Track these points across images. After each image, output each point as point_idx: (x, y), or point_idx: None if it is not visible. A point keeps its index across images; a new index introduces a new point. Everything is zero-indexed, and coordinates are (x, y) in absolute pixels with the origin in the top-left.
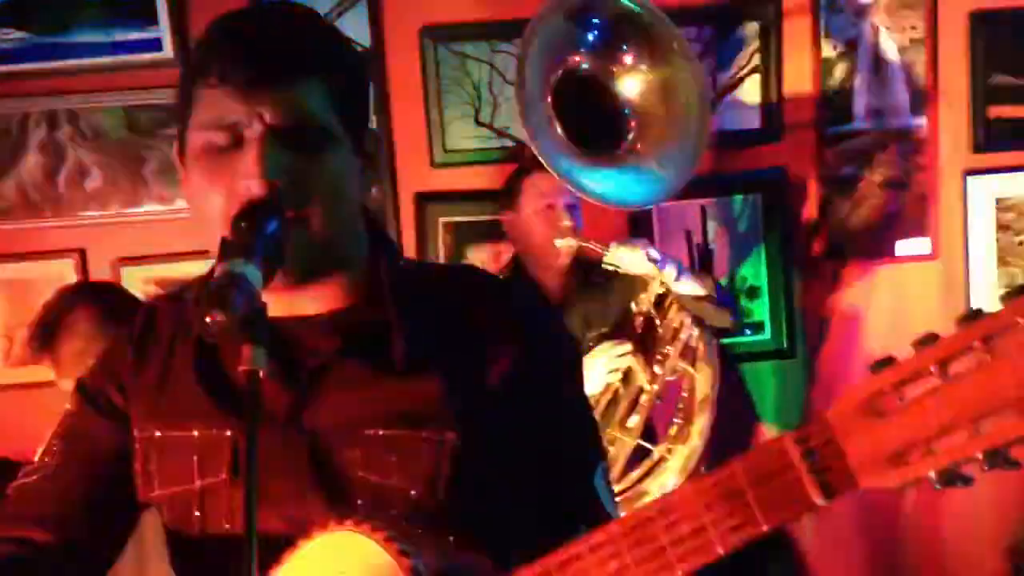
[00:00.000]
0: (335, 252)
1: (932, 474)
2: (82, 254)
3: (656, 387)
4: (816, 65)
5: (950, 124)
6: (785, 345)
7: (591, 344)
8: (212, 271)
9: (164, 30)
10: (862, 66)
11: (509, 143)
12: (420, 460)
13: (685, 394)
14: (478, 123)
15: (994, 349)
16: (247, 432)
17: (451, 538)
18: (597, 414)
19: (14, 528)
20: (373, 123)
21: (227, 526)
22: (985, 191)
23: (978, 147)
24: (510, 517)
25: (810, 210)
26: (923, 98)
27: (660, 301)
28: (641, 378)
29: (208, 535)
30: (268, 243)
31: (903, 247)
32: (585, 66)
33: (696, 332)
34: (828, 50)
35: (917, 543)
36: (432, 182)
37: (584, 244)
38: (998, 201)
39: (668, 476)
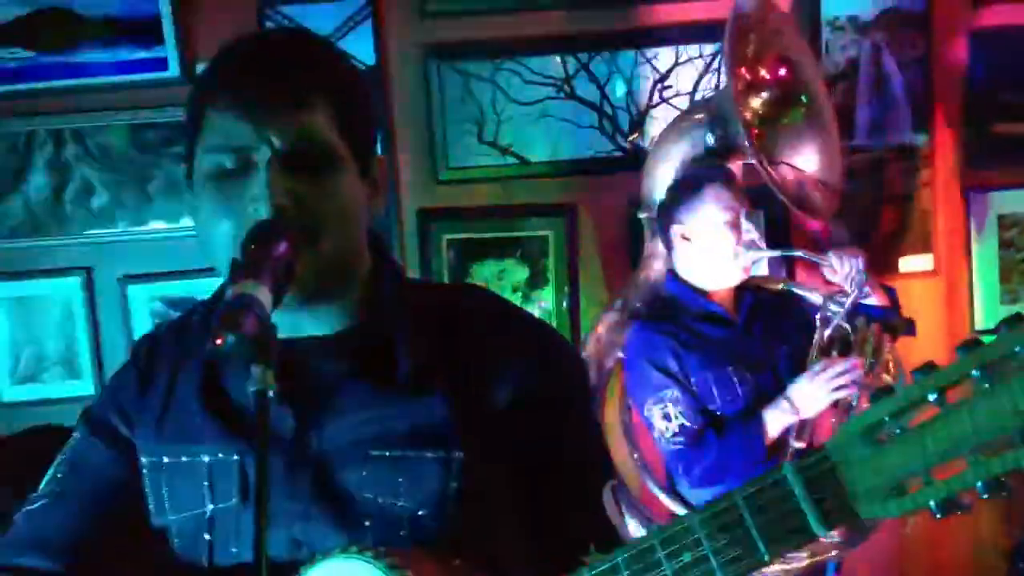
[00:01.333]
0: (342, 273)
1: (932, 504)
2: (88, 272)
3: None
4: None
5: (951, 141)
6: None
7: (776, 363)
8: (218, 294)
9: (169, 49)
10: (863, 83)
11: (513, 161)
12: (427, 480)
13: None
14: (481, 141)
15: (992, 378)
16: (257, 452)
17: (457, 561)
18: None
19: (17, 556)
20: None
21: (234, 550)
22: (987, 208)
23: (979, 164)
24: (517, 536)
25: (813, 226)
26: (924, 115)
27: (855, 312)
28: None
29: (216, 560)
30: (277, 265)
31: (905, 264)
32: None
33: (889, 343)
34: (829, 68)
35: (917, 547)
36: (436, 199)
37: (771, 255)
38: (1000, 218)
39: None
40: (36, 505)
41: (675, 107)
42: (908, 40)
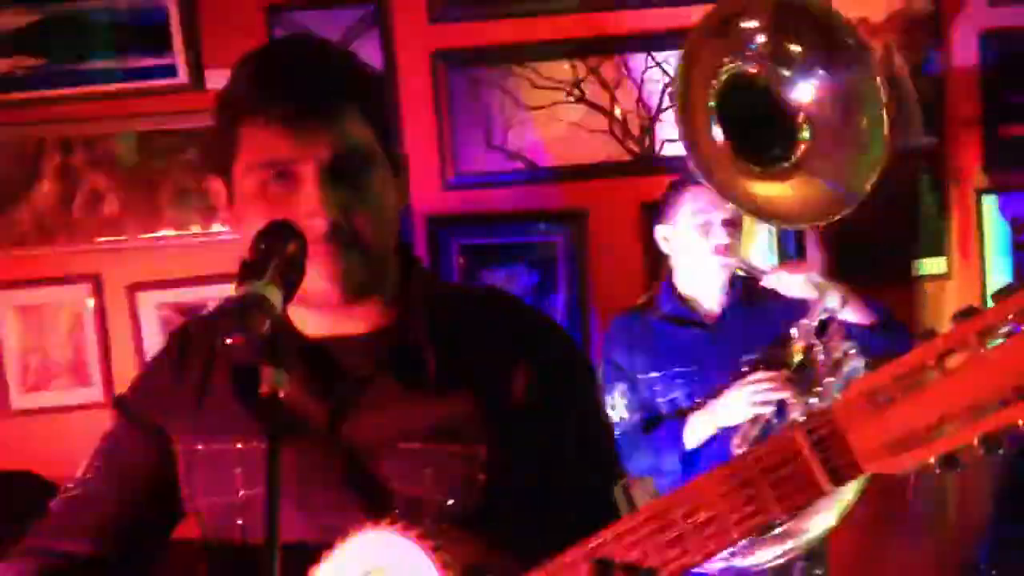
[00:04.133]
0: (381, 272)
1: (932, 460)
2: (97, 279)
3: None
4: None
5: (963, 143)
6: None
7: (744, 369)
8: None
9: (178, 56)
10: None
11: (522, 165)
12: (454, 472)
13: None
14: (490, 146)
15: (987, 343)
16: (269, 451)
17: (481, 542)
18: (748, 445)
19: (55, 541)
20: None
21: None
22: (1000, 210)
23: (992, 166)
24: (537, 527)
25: (823, 230)
26: (936, 117)
27: (824, 328)
28: (795, 411)
29: (248, 544)
30: (287, 264)
31: (918, 267)
32: (752, 70)
33: (861, 364)
34: None
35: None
36: (444, 205)
37: (743, 264)
38: (1014, 220)
39: (823, 515)
40: (72, 493)
41: None
42: (919, 42)
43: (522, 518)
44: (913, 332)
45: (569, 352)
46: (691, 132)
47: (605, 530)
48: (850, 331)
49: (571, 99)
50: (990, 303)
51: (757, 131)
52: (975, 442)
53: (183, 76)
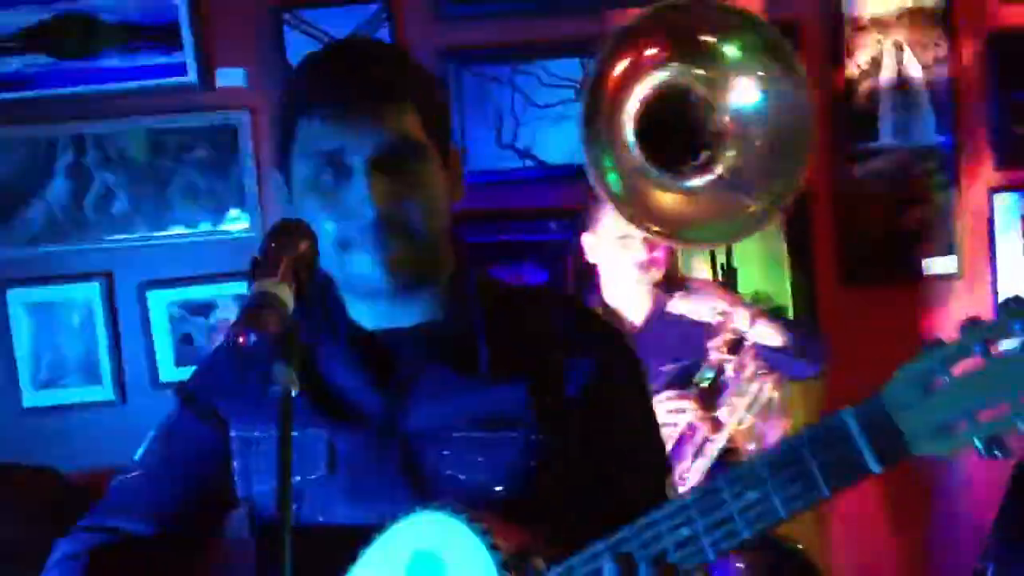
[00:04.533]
0: (433, 263)
1: (978, 443)
2: (108, 277)
3: (720, 436)
4: (839, 83)
5: (975, 141)
6: None
7: (655, 387)
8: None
9: (188, 55)
10: (886, 84)
11: (532, 163)
12: (505, 457)
13: (752, 445)
14: (500, 144)
15: None
16: (279, 449)
17: (529, 527)
18: None
19: (112, 520)
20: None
21: (320, 519)
22: (1011, 209)
23: (1003, 164)
24: (586, 517)
25: (834, 229)
26: (948, 115)
27: (737, 346)
28: (704, 429)
29: (303, 527)
30: (299, 263)
31: (929, 266)
32: (672, 78)
33: (769, 383)
34: (852, 68)
35: None
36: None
37: (649, 287)
38: None
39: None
40: (131, 475)
41: None
42: (931, 40)
43: (571, 508)
44: (924, 330)
45: (620, 349)
46: (601, 145)
47: (656, 510)
48: (761, 352)
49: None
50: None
51: (680, 144)
52: (1020, 427)
53: (193, 75)
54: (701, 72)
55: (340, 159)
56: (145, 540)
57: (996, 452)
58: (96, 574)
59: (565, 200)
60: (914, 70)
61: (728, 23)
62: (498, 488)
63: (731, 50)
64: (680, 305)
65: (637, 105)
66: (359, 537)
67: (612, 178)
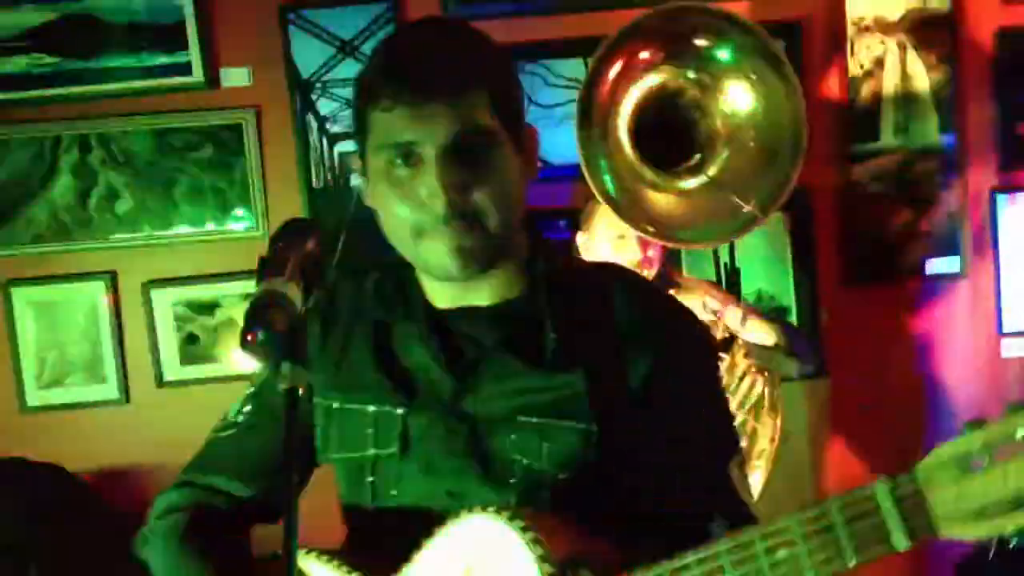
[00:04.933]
0: (507, 247)
1: (1011, 531)
2: (113, 276)
3: None
4: (843, 83)
5: (978, 142)
6: None
7: None
8: (393, 264)
9: (193, 55)
10: (889, 84)
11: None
12: (567, 448)
13: (743, 443)
14: None
15: None
16: (284, 446)
17: (585, 525)
18: None
19: (205, 475)
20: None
21: (394, 493)
22: (1014, 209)
23: (1006, 165)
24: (646, 505)
25: (837, 229)
26: (951, 115)
27: (729, 344)
28: None
29: (378, 501)
30: (306, 261)
31: (931, 266)
32: (659, 80)
33: (760, 381)
34: (855, 68)
35: None
36: None
37: (655, 279)
38: None
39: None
40: (225, 433)
41: None
42: (934, 40)
43: (635, 497)
44: (925, 330)
45: (685, 336)
46: (595, 145)
47: (690, 553)
48: (752, 351)
49: None
50: (1005, 302)
51: (673, 145)
52: None
53: (198, 74)
54: (693, 75)
55: (412, 149)
56: (233, 499)
57: None
58: (196, 532)
59: (567, 200)
60: (917, 70)
61: (720, 27)
62: (561, 476)
63: (723, 54)
64: (695, 296)
65: (631, 107)
66: (430, 517)
67: (606, 178)
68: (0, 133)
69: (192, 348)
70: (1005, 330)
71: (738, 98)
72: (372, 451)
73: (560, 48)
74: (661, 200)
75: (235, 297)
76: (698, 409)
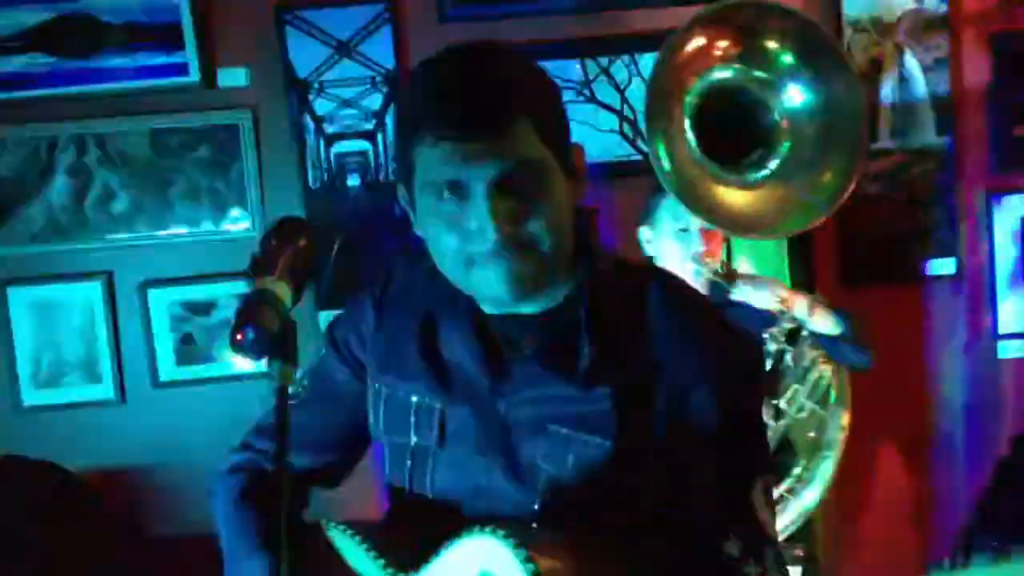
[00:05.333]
0: (556, 272)
1: None
2: (109, 276)
3: (782, 423)
4: None
5: (975, 143)
6: None
7: None
8: (425, 255)
9: (191, 55)
10: (885, 85)
11: None
12: (589, 462)
13: (812, 434)
14: None
15: None
16: (277, 449)
17: (597, 549)
18: None
19: (259, 440)
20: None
21: (428, 481)
22: (1011, 211)
23: (1002, 167)
24: (662, 523)
25: (834, 230)
26: (947, 117)
27: (793, 336)
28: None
29: (414, 487)
30: (297, 260)
31: (929, 267)
32: (729, 75)
33: (828, 371)
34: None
35: None
36: None
37: (708, 276)
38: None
39: (788, 517)
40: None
41: None
42: (931, 42)
43: (648, 514)
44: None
45: (719, 351)
46: (662, 137)
47: None
48: (819, 340)
49: (581, 99)
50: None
51: (734, 140)
52: None
53: (195, 74)
54: (759, 72)
55: (460, 184)
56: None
57: None
58: (251, 493)
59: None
60: (914, 72)
61: (786, 25)
62: (581, 489)
63: (788, 54)
64: (744, 292)
65: (696, 99)
66: (456, 508)
67: (670, 169)
68: None
69: (188, 348)
70: (1001, 332)
71: (801, 94)
72: (414, 438)
73: (557, 50)
74: (726, 193)
75: (232, 298)
76: (730, 430)
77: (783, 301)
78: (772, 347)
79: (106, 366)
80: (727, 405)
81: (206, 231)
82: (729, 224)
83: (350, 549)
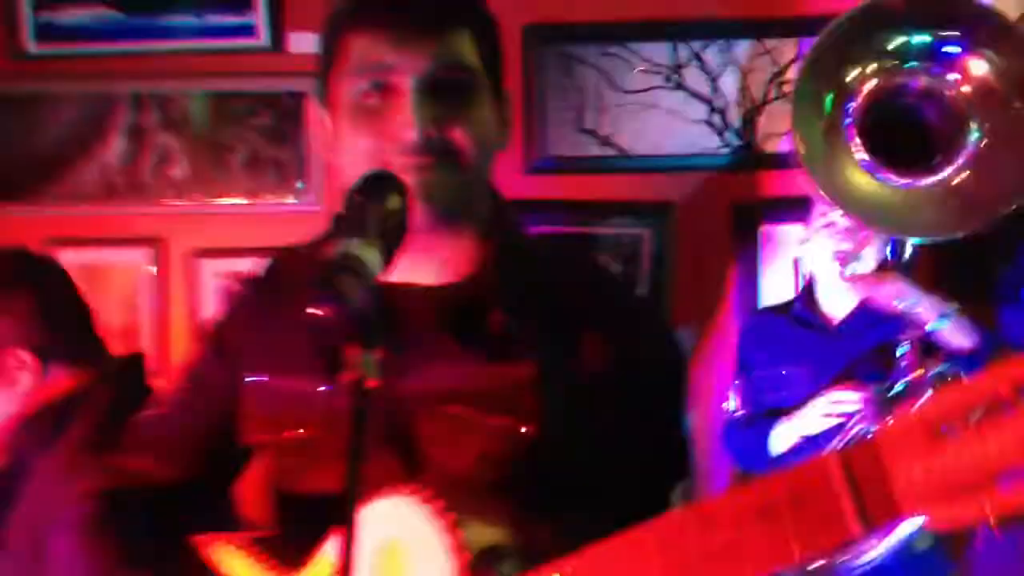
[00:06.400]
0: (471, 201)
1: (989, 513)
2: (159, 243)
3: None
4: None
5: None
6: None
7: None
8: (323, 239)
9: (261, 16)
10: None
11: (612, 152)
12: (492, 447)
13: None
14: (581, 130)
15: None
16: (350, 451)
17: (516, 514)
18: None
19: (128, 458)
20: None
21: (314, 474)
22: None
23: None
24: (578, 510)
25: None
26: None
27: (930, 348)
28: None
29: (298, 484)
30: (388, 220)
31: None
32: (904, 79)
33: None
34: None
35: None
36: (525, 189)
37: (853, 274)
38: None
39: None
40: (154, 411)
41: None
42: None
43: (563, 500)
44: None
45: (658, 334)
46: (808, 131)
47: (620, 535)
48: (951, 354)
49: (670, 84)
50: None
51: (906, 143)
52: None
53: (263, 37)
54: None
55: (387, 77)
56: (158, 482)
57: (1013, 527)
58: (116, 518)
59: (642, 193)
60: None
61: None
62: (482, 477)
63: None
64: (888, 290)
65: (867, 97)
66: (334, 503)
67: (818, 160)
68: (53, 87)
69: None
70: None
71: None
72: (294, 432)
73: (648, 31)
74: (877, 191)
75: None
76: (646, 419)
77: (917, 308)
78: (911, 375)
79: (147, 335)
80: (647, 401)
81: (265, 202)
82: (878, 224)
83: (235, 564)
